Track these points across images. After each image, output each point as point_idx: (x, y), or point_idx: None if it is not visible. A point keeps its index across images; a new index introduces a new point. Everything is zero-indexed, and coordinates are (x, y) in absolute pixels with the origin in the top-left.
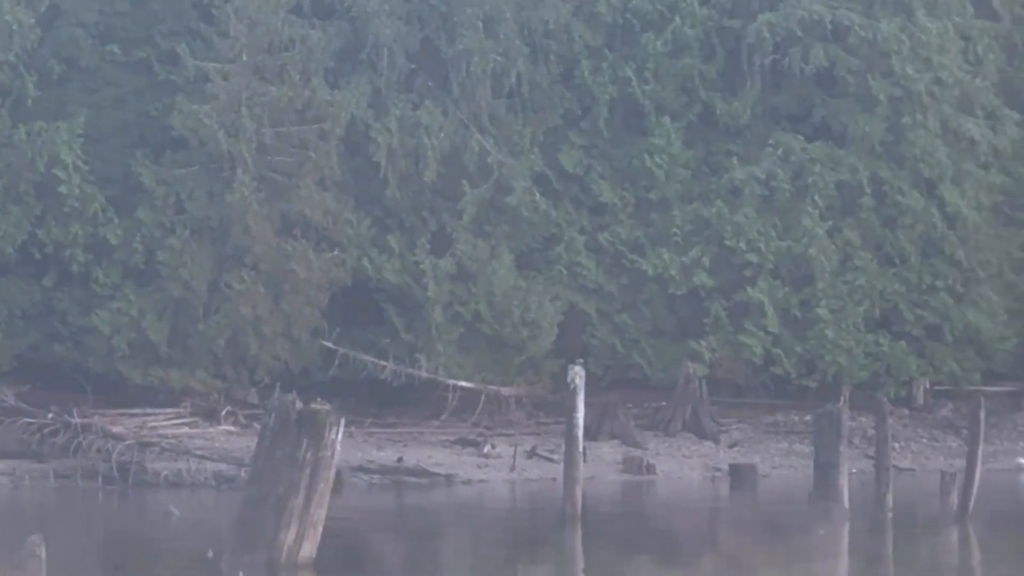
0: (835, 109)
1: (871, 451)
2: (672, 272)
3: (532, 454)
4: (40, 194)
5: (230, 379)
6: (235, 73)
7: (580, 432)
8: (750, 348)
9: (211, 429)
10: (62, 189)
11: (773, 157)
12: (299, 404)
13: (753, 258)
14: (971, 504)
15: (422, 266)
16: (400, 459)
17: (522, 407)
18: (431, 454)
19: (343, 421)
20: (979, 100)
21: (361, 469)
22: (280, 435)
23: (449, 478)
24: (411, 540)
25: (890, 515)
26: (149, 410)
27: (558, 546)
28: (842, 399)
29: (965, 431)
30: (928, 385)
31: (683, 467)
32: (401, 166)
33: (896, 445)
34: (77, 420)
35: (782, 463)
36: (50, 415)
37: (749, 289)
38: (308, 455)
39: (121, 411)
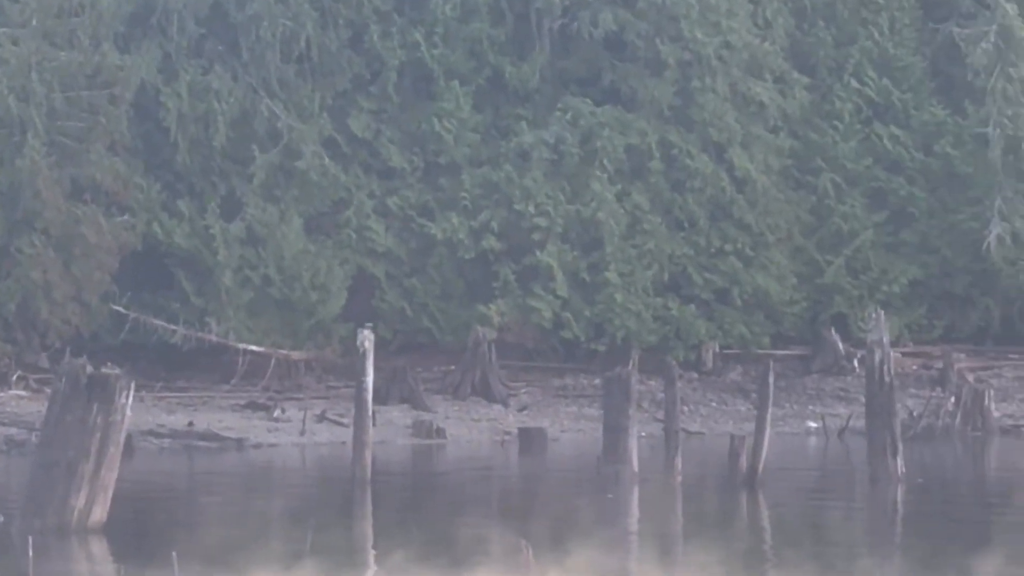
0: (624, 73)
1: (660, 415)
2: (461, 236)
3: (322, 418)
4: None
5: (21, 344)
6: (25, 38)
7: (369, 396)
8: (539, 312)
9: (2, 394)
10: None
11: (562, 121)
12: (89, 369)
13: (542, 222)
14: (760, 468)
15: (212, 230)
16: (191, 423)
17: (312, 371)
18: (221, 418)
19: (133, 386)
20: (768, 64)
21: (151, 433)
22: (70, 400)
23: (240, 442)
24: (202, 504)
25: (679, 479)
26: None
27: (348, 510)
28: (631, 363)
29: (754, 395)
30: (717, 349)
31: (472, 431)
32: (191, 131)
33: (685, 409)
34: None
35: (571, 427)
36: None
37: (538, 253)
38: (98, 420)
39: None
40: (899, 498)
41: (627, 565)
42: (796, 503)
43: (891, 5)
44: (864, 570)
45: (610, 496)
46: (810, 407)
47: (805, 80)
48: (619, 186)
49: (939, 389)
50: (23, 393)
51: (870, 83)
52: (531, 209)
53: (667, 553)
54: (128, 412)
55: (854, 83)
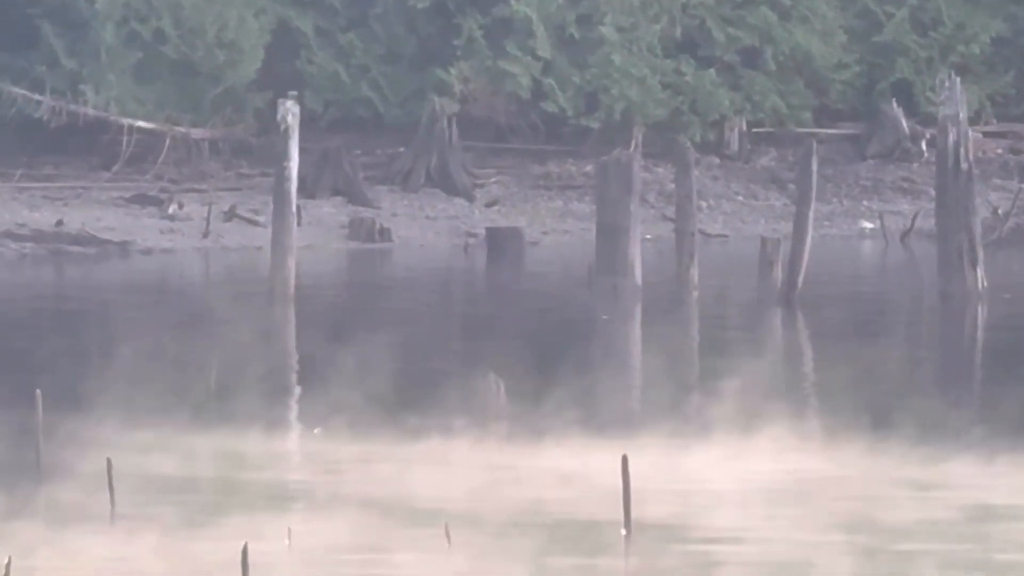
0: None
1: (671, 212)
2: None
3: (231, 215)
4: None
5: None
6: None
7: (293, 187)
8: (514, 78)
9: None
10: None
11: None
12: None
13: None
14: (800, 280)
15: None
16: (60, 222)
17: (218, 155)
18: (100, 216)
19: None
20: None
21: (10, 236)
22: None
23: (124, 246)
24: (74, 327)
25: (695, 294)
26: None
27: (265, 331)
28: (633, 144)
29: (792, 186)
30: (744, 127)
31: (427, 232)
32: None
33: (703, 204)
34: None
35: (555, 227)
36: None
37: (512, 1)
38: None
39: None
40: (979, 319)
41: (623, 408)
42: (845, 326)
43: None
44: (930, 419)
45: (605, 317)
46: (865, 203)
47: None
48: None
49: None
50: None
51: None
52: None
53: (675, 395)
54: None
55: None
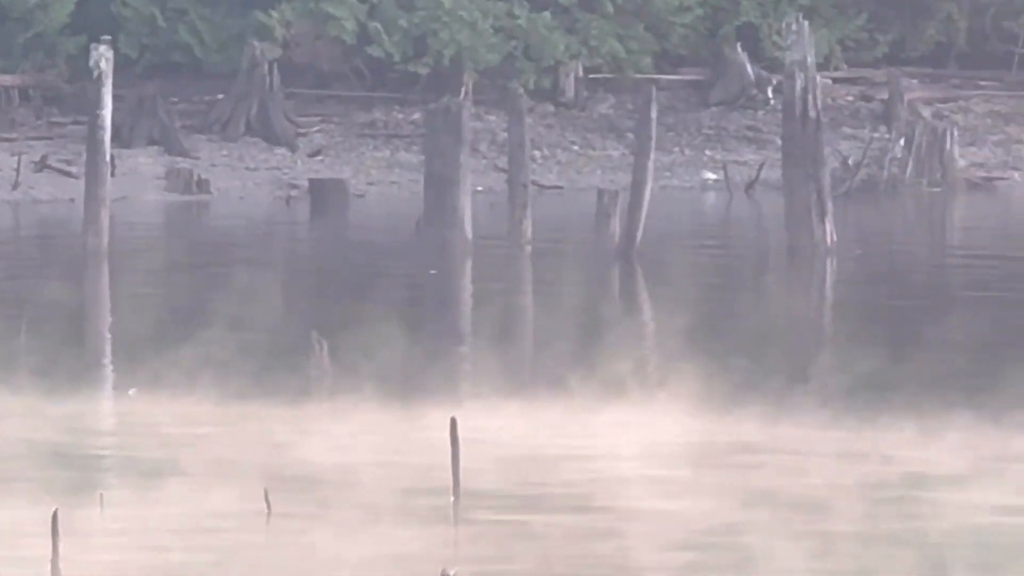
0: None
1: (503, 162)
2: None
3: (42, 166)
4: None
5: None
6: None
7: (107, 136)
8: (338, 21)
9: None
10: None
11: None
12: None
13: None
14: (638, 234)
15: None
16: None
17: (29, 102)
18: None
19: None
20: None
21: None
22: None
23: None
24: None
25: (528, 249)
26: None
27: (77, 291)
28: (463, 91)
29: (631, 135)
30: (581, 72)
31: (247, 183)
32: None
33: (537, 154)
34: None
35: (381, 178)
36: None
37: None
38: None
39: None
40: (827, 275)
41: (452, 369)
42: (686, 282)
43: None
44: (780, 381)
45: (433, 272)
46: (708, 152)
47: None
48: None
49: (884, 128)
50: None
51: None
52: None
53: (505, 355)
54: None
55: None
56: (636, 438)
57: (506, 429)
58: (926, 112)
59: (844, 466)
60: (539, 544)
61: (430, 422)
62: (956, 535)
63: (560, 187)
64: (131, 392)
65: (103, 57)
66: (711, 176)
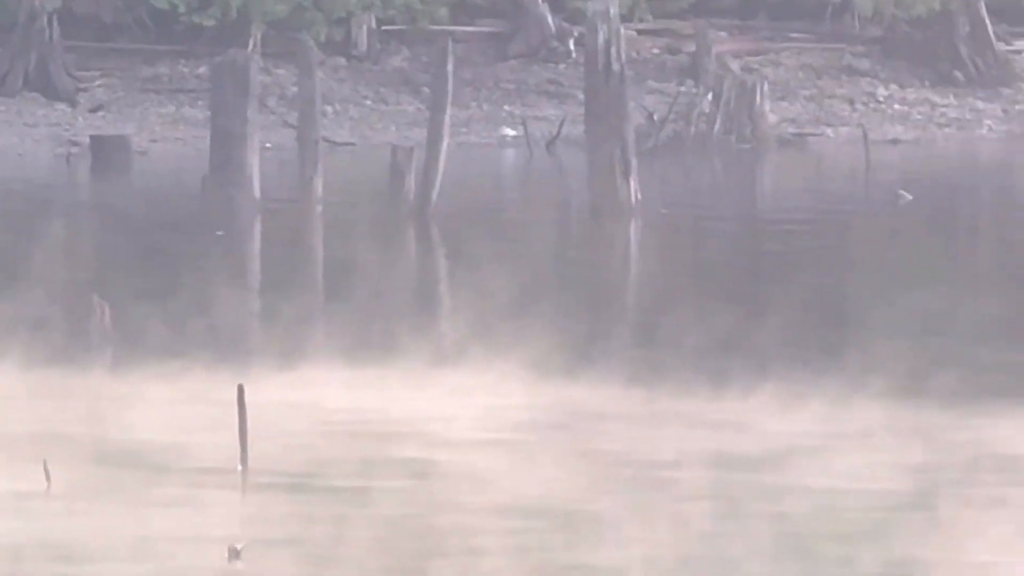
0: None
1: (293, 118)
2: None
3: None
4: None
5: None
6: None
7: None
8: None
9: None
10: None
11: None
12: None
13: None
14: (434, 193)
15: None
16: None
17: None
18: None
19: None
20: None
21: None
22: None
23: None
24: None
25: (319, 208)
26: None
27: None
28: (251, 43)
29: (427, 90)
30: (374, 24)
31: (25, 140)
32: None
33: (329, 109)
34: None
35: (166, 135)
36: None
37: None
38: None
39: None
40: (632, 236)
41: (239, 334)
42: (485, 243)
43: None
44: (582, 345)
45: (220, 233)
46: (507, 108)
47: None
48: None
49: (691, 82)
50: None
51: None
52: None
53: (294, 319)
54: None
55: None
56: (453, 404)
57: (295, 397)
58: (735, 65)
59: (692, 433)
60: (337, 514)
61: (217, 388)
62: (807, 505)
63: (353, 143)
64: None
65: None
66: (510, 132)
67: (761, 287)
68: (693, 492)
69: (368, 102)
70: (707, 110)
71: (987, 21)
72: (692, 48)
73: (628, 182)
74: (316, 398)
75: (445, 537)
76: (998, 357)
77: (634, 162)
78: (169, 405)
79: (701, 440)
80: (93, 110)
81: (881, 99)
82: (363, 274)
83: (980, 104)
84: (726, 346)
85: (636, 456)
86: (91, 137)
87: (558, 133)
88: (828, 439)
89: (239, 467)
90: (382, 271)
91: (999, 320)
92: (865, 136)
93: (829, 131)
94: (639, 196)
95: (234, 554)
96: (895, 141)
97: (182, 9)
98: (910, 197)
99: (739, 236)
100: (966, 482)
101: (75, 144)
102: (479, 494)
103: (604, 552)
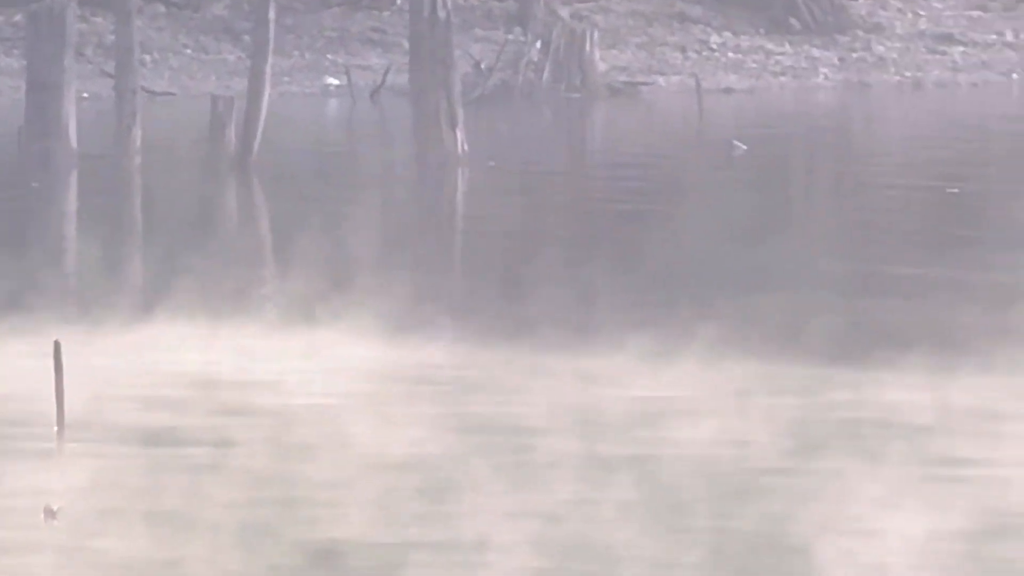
0: None
1: (111, 67)
2: None
3: None
4: None
5: None
6: None
7: None
8: None
9: None
10: None
11: None
12: None
13: None
14: (256, 144)
15: None
16: None
17: None
18: None
19: None
20: None
21: None
22: None
23: None
24: None
25: (138, 160)
26: None
27: None
28: None
29: (247, 38)
30: None
31: None
32: None
33: (147, 58)
34: None
35: None
36: None
37: None
38: None
39: None
40: (459, 186)
41: (53, 290)
42: (307, 195)
43: None
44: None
45: (35, 185)
46: (329, 56)
47: None
48: None
49: (519, 30)
50: None
51: None
52: None
53: (110, 274)
54: None
55: None
56: (297, 362)
57: (121, 354)
58: (564, 12)
59: (560, 390)
60: (160, 476)
61: (31, 345)
62: (680, 465)
63: (172, 93)
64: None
65: None
66: (333, 82)
67: (598, 240)
68: (560, 452)
69: (188, 51)
70: (535, 59)
71: None
72: None
73: (454, 132)
74: (141, 355)
75: (269, 489)
76: (859, 310)
77: (460, 112)
78: None
79: (569, 397)
80: None
81: (714, 47)
82: (181, 226)
83: (816, 52)
84: (582, 300)
85: (500, 414)
86: None
87: (382, 82)
88: (699, 397)
89: (55, 427)
90: (201, 223)
91: (845, 273)
92: (698, 85)
93: (661, 80)
94: (466, 147)
95: (50, 514)
96: (729, 90)
97: None
98: (744, 147)
99: (568, 188)
100: (841, 438)
101: None
102: (332, 453)
103: (465, 508)
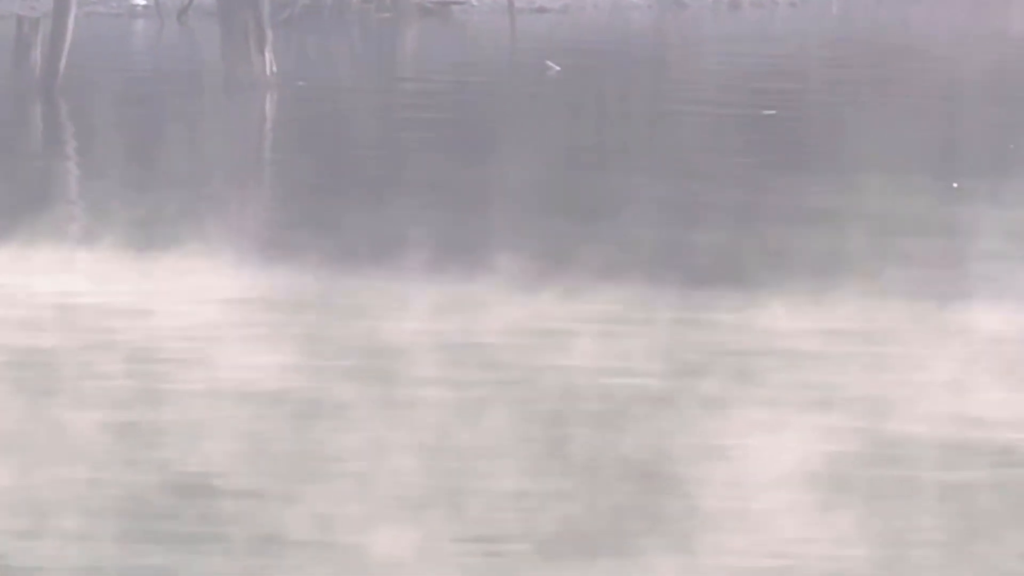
0: None
1: None
2: None
3: None
4: None
5: None
6: None
7: None
8: None
9: None
10: None
11: None
12: None
13: None
14: (61, 66)
15: None
16: None
17: None
18: None
19: None
20: None
21: None
22: None
23: None
24: None
25: None
26: None
27: None
28: None
29: None
30: None
31: None
32: None
33: None
34: None
35: None
36: None
37: None
38: None
39: None
40: (267, 110)
41: None
42: (115, 117)
43: None
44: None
45: None
46: None
47: None
48: None
49: None
50: None
51: None
52: None
53: None
54: None
55: None
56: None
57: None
58: None
59: (420, 317)
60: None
61: None
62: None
63: None
64: None
65: None
66: (140, 1)
67: (418, 162)
68: (427, 378)
69: None
70: None
71: None
72: None
73: (263, 54)
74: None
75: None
76: (709, 239)
77: (269, 33)
78: None
79: (429, 324)
80: None
81: None
82: None
83: None
84: (430, 227)
85: (366, 342)
86: None
87: (190, 3)
88: (568, 325)
89: None
90: (8, 147)
91: (673, 200)
92: (511, 4)
93: (473, 0)
94: (275, 68)
95: None
96: (542, 10)
97: None
98: (558, 68)
99: (379, 108)
100: (708, 366)
101: None
102: (196, 382)
103: (334, 436)
